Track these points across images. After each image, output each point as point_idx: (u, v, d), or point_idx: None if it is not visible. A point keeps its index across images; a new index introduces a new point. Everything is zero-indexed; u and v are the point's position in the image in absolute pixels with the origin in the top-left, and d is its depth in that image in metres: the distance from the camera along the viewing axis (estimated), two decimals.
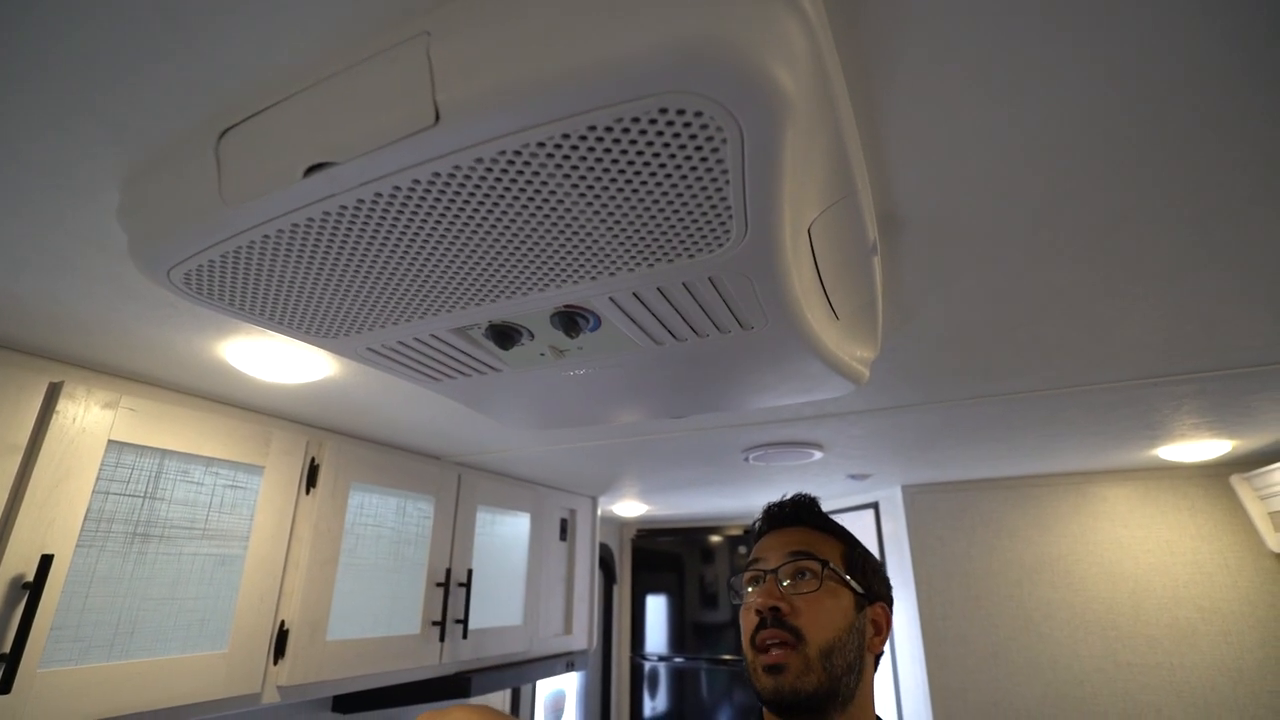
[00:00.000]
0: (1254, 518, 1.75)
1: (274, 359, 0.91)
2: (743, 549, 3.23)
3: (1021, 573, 2.01)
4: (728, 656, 3.05)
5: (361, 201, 0.41)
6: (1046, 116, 0.47)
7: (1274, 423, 1.34)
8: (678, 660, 3.12)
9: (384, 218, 0.43)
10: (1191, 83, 0.44)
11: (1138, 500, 1.95)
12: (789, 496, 0.84)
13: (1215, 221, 0.61)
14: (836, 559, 0.75)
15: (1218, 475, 1.86)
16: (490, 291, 0.52)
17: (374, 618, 1.33)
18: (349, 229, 0.44)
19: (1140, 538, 1.92)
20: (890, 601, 0.78)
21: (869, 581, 0.76)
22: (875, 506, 2.39)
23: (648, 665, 3.16)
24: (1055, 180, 0.55)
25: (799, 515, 0.81)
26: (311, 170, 0.39)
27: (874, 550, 2.37)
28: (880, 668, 2.31)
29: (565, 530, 2.13)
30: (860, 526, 2.44)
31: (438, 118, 0.35)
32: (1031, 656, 1.91)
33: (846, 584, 0.74)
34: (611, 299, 0.52)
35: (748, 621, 0.74)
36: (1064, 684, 1.84)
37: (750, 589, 0.77)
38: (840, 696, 0.68)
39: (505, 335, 0.59)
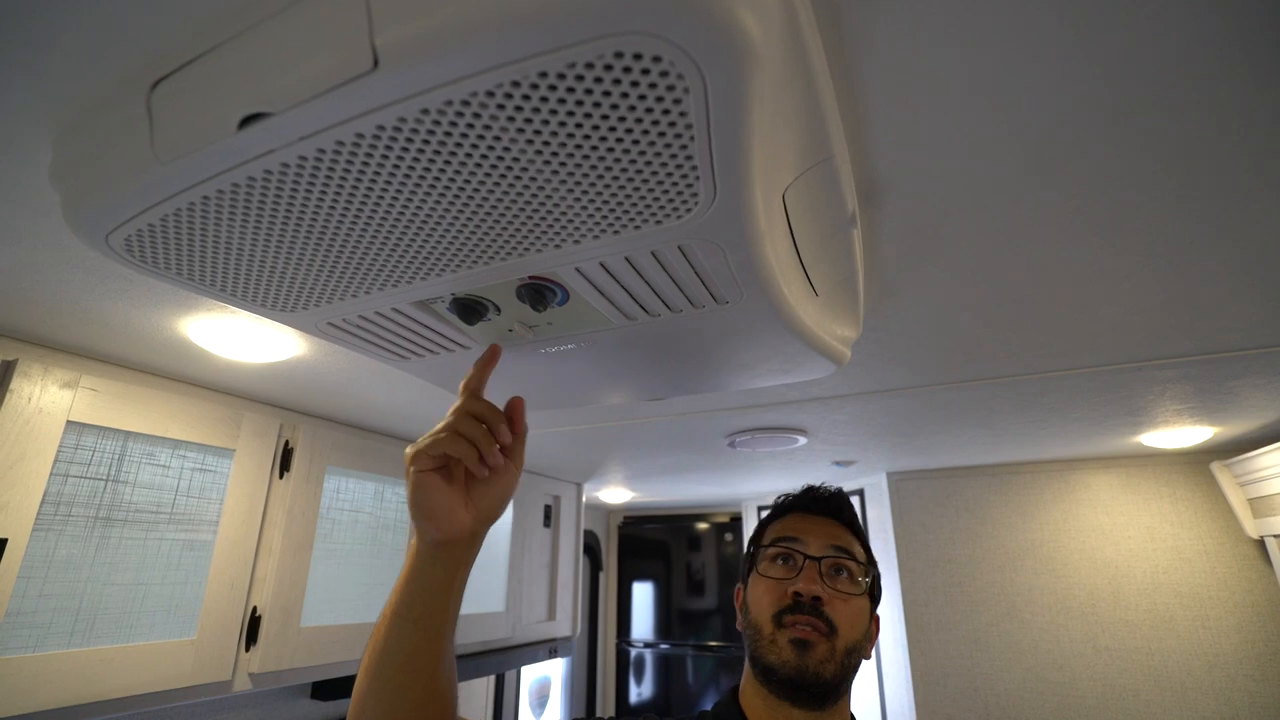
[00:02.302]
0: (1233, 504, 1.77)
1: (239, 337, 0.88)
2: (729, 536, 3.23)
3: (1004, 559, 2.02)
4: (713, 643, 3.06)
5: (304, 159, 0.38)
6: (1030, 83, 0.45)
7: (1255, 409, 1.34)
8: (664, 646, 3.13)
9: (330, 177, 0.40)
10: (1182, 54, 0.42)
11: (1120, 487, 1.96)
12: (832, 487, 0.83)
13: (1203, 201, 0.60)
14: (868, 565, 0.77)
15: (1199, 462, 1.87)
16: (450, 260, 0.49)
17: (350, 604, 1.31)
18: (294, 189, 0.41)
19: (1122, 524, 1.93)
20: None
21: (878, 593, 0.78)
22: (861, 493, 2.39)
23: (634, 651, 3.17)
24: (1039, 154, 0.53)
25: (841, 511, 0.80)
26: (246, 122, 0.36)
27: None
28: None
29: (549, 516, 2.11)
30: None
31: (376, 62, 0.32)
32: (1013, 642, 1.93)
33: (871, 592, 0.76)
34: (578, 269, 0.50)
35: (773, 596, 0.72)
36: (1044, 669, 1.86)
37: (777, 563, 0.76)
38: (839, 691, 0.70)
39: (470, 309, 0.57)
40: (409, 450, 0.54)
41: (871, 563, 0.78)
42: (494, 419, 0.55)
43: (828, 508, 0.80)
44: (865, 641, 0.73)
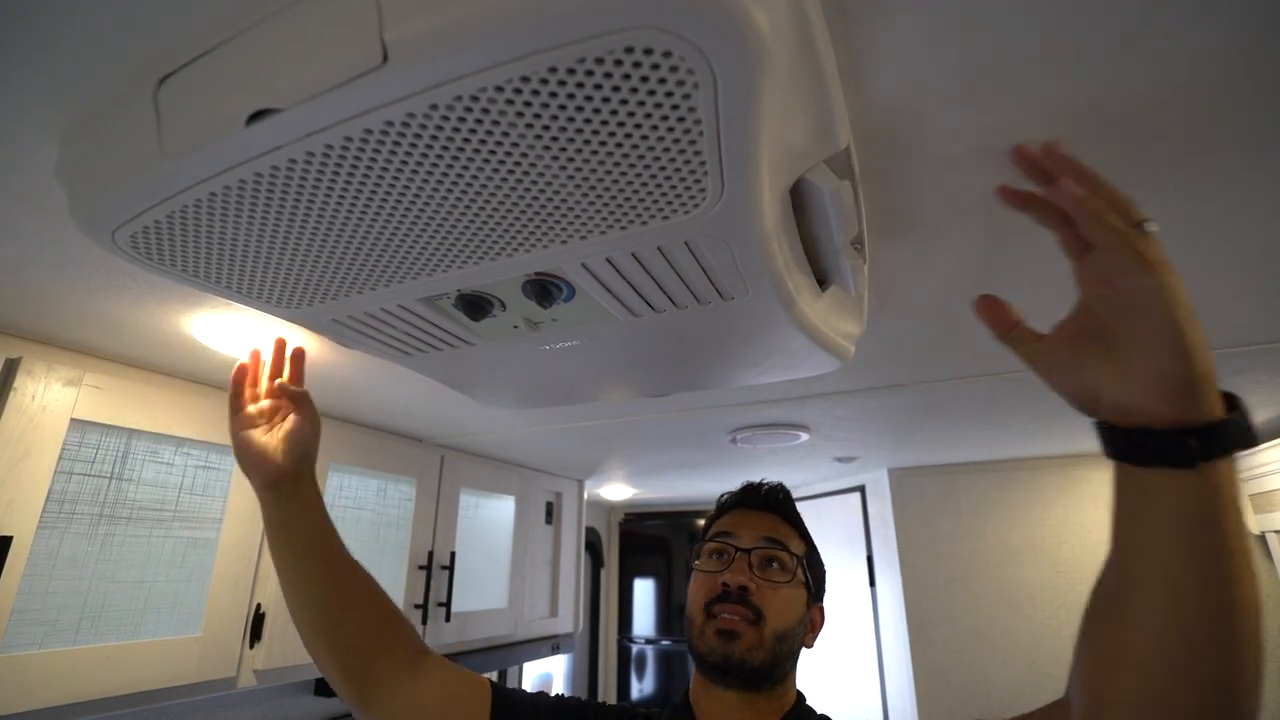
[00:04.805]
0: None
1: (243, 334, 0.88)
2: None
3: (1005, 554, 2.02)
4: None
5: (311, 154, 0.38)
6: (1032, 82, 0.45)
7: (1256, 405, 1.34)
8: (665, 643, 3.13)
9: (337, 173, 0.40)
10: (1187, 52, 0.42)
11: None
12: (768, 482, 0.87)
13: (1206, 198, 0.59)
14: (801, 556, 0.79)
15: None
16: (457, 257, 0.49)
17: None
18: (301, 186, 0.41)
19: None
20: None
21: (819, 583, 0.81)
22: (862, 490, 2.39)
23: (635, 648, 3.17)
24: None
25: (776, 504, 0.84)
26: (254, 118, 0.36)
27: (860, 533, 2.38)
28: (864, 649, 2.33)
29: (551, 513, 2.11)
30: (846, 509, 2.45)
31: (386, 58, 0.32)
32: (1014, 637, 1.93)
33: (806, 582, 0.78)
34: (584, 265, 0.50)
35: (706, 588, 0.76)
36: (1045, 664, 1.86)
37: (712, 558, 0.79)
38: (774, 677, 0.73)
39: (475, 306, 0.57)
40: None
41: (808, 553, 0.81)
42: (243, 376, 0.75)
43: (765, 502, 0.84)
44: (799, 629, 0.76)
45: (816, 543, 0.85)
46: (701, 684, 0.75)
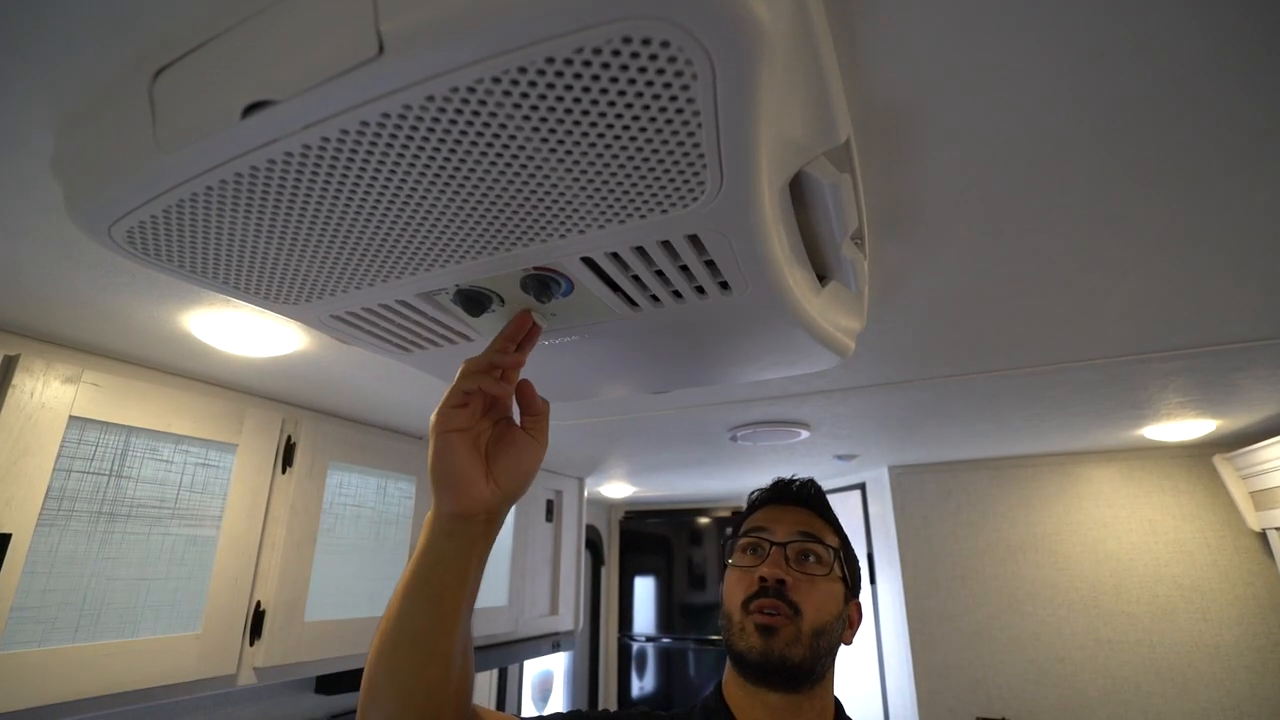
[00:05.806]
0: (1235, 497, 1.77)
1: (241, 331, 0.88)
2: (731, 530, 3.23)
3: (1006, 552, 2.02)
4: (715, 637, 3.06)
5: (308, 148, 0.38)
6: (1036, 78, 0.45)
7: (1257, 402, 1.34)
8: (665, 641, 3.13)
9: (334, 166, 0.40)
10: (1188, 50, 0.42)
11: (1122, 481, 1.96)
12: (801, 476, 0.86)
13: (1208, 194, 0.59)
14: (837, 549, 0.78)
15: (1201, 455, 1.87)
16: (455, 251, 0.49)
17: (354, 598, 1.32)
18: (298, 180, 0.41)
19: (1124, 517, 1.93)
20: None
21: (855, 578, 0.80)
22: (862, 488, 2.39)
23: (635, 646, 3.17)
24: (1045, 147, 0.52)
25: (809, 499, 0.83)
26: (250, 110, 0.36)
27: (860, 531, 2.38)
28: (865, 647, 2.33)
29: (551, 511, 2.11)
30: (847, 507, 2.45)
31: (381, 49, 0.32)
32: (1015, 634, 1.93)
33: (843, 577, 0.77)
34: (583, 260, 0.50)
35: (743, 585, 0.75)
36: (1046, 661, 1.86)
37: (747, 553, 0.79)
38: (814, 675, 0.71)
39: (474, 301, 0.57)
40: (434, 415, 0.52)
41: (844, 548, 0.80)
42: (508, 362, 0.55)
43: (797, 497, 0.83)
44: (837, 624, 0.74)
45: None
46: (740, 685, 0.74)
